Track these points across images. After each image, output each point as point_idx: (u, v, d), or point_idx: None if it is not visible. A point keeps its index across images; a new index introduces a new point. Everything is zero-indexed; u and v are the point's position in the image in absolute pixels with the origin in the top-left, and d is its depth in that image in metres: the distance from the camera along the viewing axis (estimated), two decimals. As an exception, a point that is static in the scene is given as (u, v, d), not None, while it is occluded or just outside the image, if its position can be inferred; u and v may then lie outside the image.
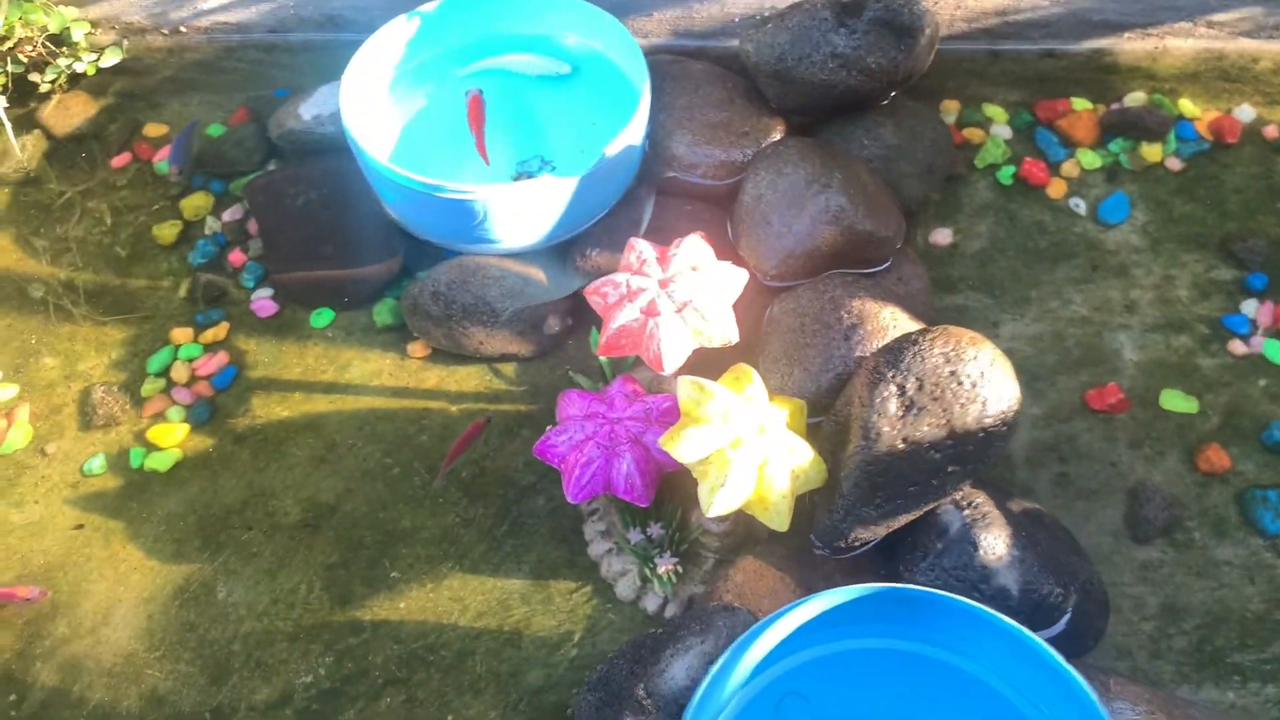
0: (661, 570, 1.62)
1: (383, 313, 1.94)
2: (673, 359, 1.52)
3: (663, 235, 1.83)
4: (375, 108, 2.01)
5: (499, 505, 1.75)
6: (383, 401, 1.87)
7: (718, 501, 1.40)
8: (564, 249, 1.91)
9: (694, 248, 1.57)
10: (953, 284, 1.91)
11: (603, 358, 1.74)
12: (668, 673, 1.40)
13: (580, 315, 1.90)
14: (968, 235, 1.98)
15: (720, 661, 1.32)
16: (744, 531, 1.65)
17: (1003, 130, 2.10)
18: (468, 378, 1.89)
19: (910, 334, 1.45)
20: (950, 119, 2.13)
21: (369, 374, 1.90)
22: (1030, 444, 1.75)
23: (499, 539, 1.72)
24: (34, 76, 2.22)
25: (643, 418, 1.59)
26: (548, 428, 1.69)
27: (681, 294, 1.53)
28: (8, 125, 2.18)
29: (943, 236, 1.97)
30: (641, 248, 1.58)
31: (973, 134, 2.10)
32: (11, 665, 1.64)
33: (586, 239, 1.89)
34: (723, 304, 1.54)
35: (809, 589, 1.53)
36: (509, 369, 1.89)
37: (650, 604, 1.64)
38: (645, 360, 1.54)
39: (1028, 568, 1.45)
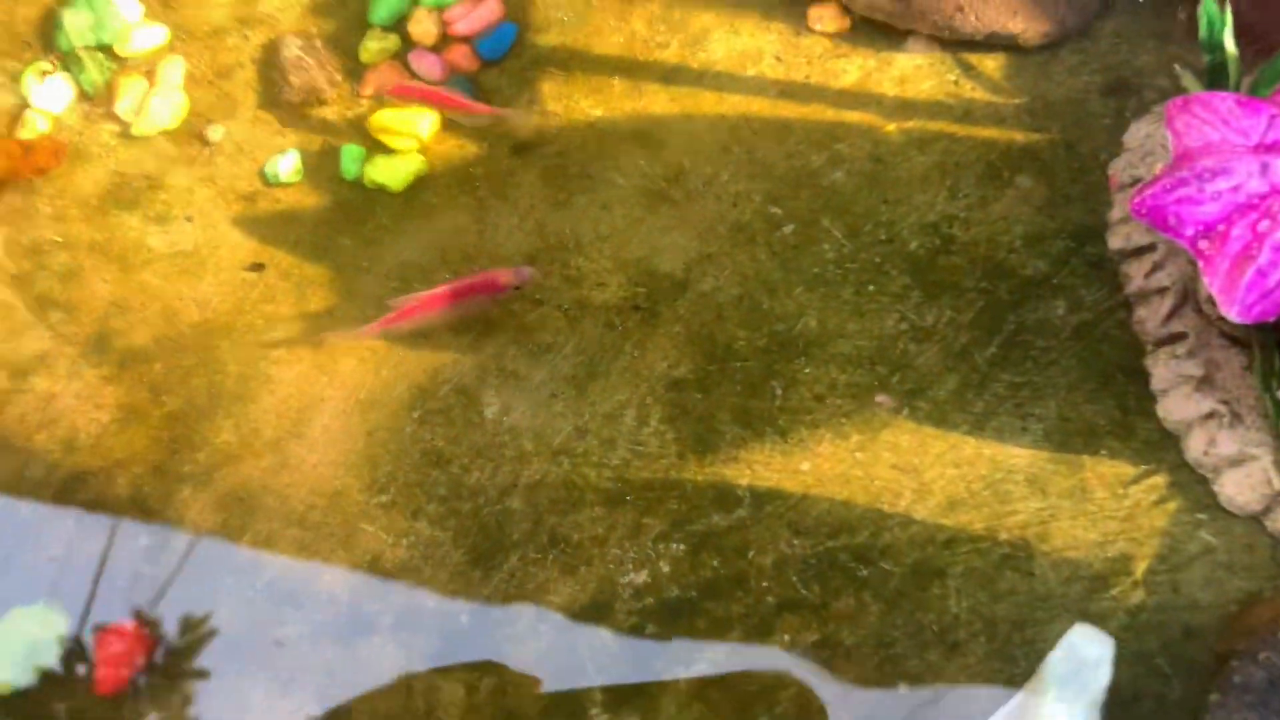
0: (1349, 468, 0.83)
1: (770, -51, 1.12)
2: None
3: None
4: None
5: (982, 310, 0.98)
6: (765, 106, 1.10)
7: None
8: None
9: None
10: None
11: (1212, 35, 0.89)
12: None
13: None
14: None
15: None
16: None
17: None
18: (916, 75, 1.08)
19: None
20: None
21: (741, 55, 1.12)
22: None
23: (982, 370, 0.96)
24: None
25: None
26: (1119, 166, 0.88)
27: None
28: None
29: None
30: None
31: None
32: (143, 487, 0.98)
33: None
34: None
35: None
36: (993, 64, 1.08)
37: (1292, 526, 0.86)
38: None
39: None
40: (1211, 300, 0.90)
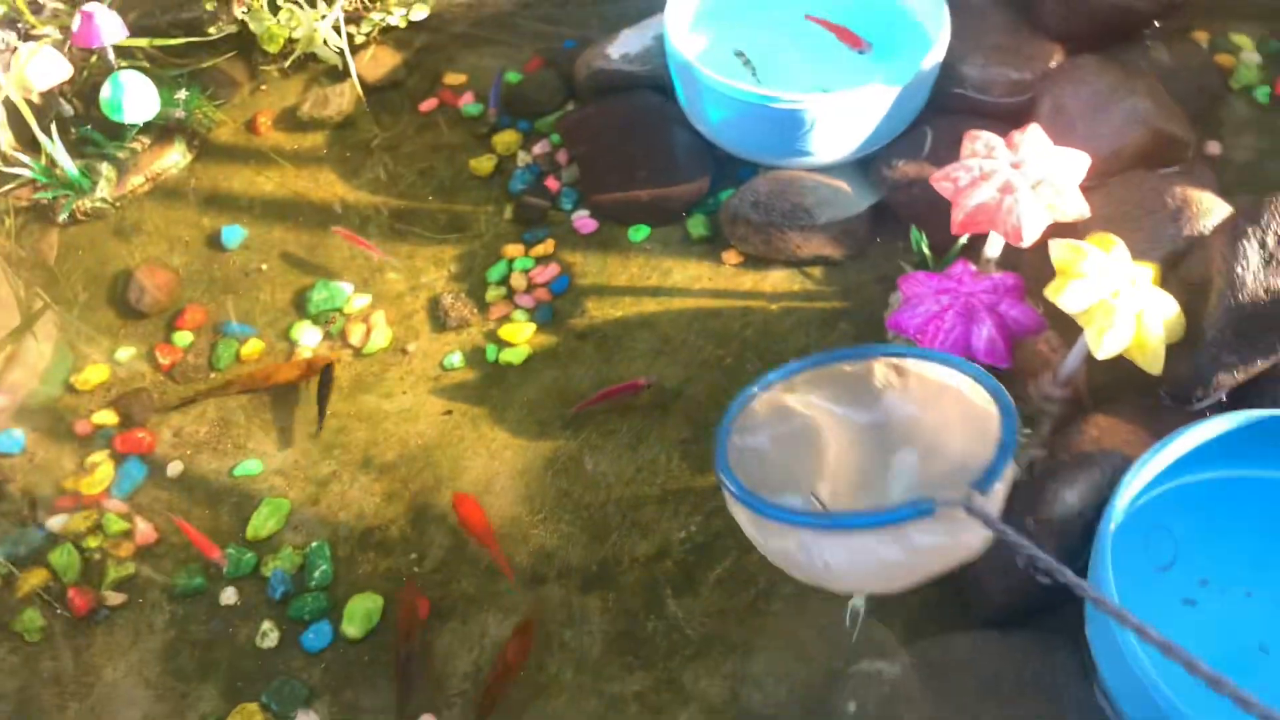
0: (1008, 433, 1.76)
1: (696, 225, 2.12)
2: (1031, 232, 1.67)
3: (952, 151, 1.99)
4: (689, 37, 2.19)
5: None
6: (706, 302, 2.04)
7: (1106, 343, 1.54)
8: (862, 165, 2.08)
9: (1036, 134, 1.73)
10: (1229, 189, 2.05)
11: (919, 246, 1.90)
12: (1057, 501, 1.54)
13: (880, 224, 2.07)
14: (1234, 146, 2.12)
15: (1131, 469, 1.45)
16: (1077, 399, 1.79)
17: (1252, 56, 2.25)
18: (781, 280, 2.05)
19: (1264, 197, 1.60)
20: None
21: (689, 279, 2.07)
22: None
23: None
24: (350, 29, 2.43)
25: (994, 290, 1.74)
26: (888, 310, 1.85)
27: (1034, 173, 1.69)
28: (352, 66, 2.39)
29: (1213, 148, 2.11)
30: (985, 136, 1.75)
31: (1224, 60, 2.25)
32: (408, 530, 1.81)
33: (886, 153, 2.06)
34: (1073, 180, 1.70)
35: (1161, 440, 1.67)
36: (817, 272, 2.06)
37: (993, 467, 1.78)
38: (1002, 234, 1.69)
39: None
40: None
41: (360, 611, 1.70)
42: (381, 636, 1.70)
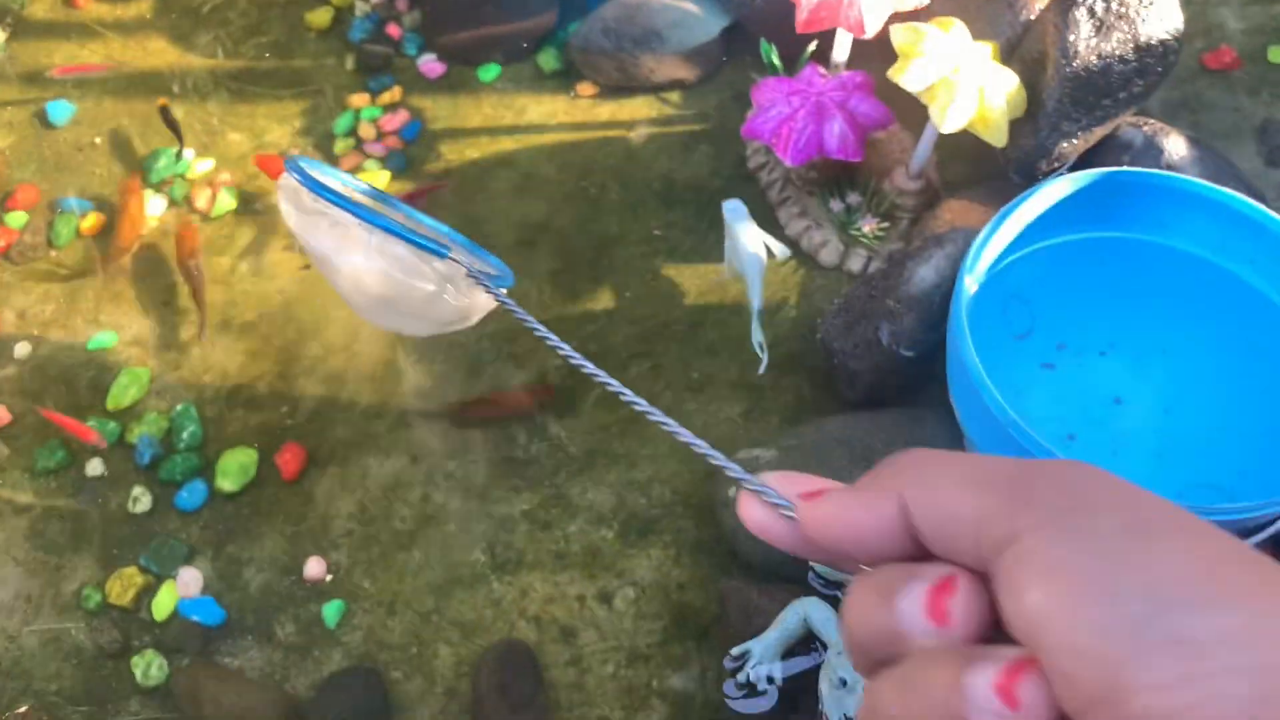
0: (866, 229, 1.79)
1: (548, 60, 2.08)
2: (873, 22, 1.68)
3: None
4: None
5: (695, 208, 1.91)
6: (565, 136, 2.01)
7: (950, 116, 1.57)
8: (709, -14, 2.06)
9: (872, -74, 1.73)
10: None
11: (769, 58, 1.90)
12: (914, 278, 1.58)
13: (732, 44, 2.05)
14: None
15: (981, 234, 1.50)
16: (931, 190, 1.83)
17: None
18: (638, 107, 2.03)
19: (1090, -35, 1.63)
20: None
21: (545, 114, 2.04)
22: (1162, 102, 1.95)
23: (702, 233, 1.88)
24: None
25: (842, 87, 1.75)
26: (747, 114, 1.84)
27: (872, -37, 1.69)
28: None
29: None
30: (823, -67, 1.74)
31: None
32: (277, 385, 1.77)
33: (732, -29, 2.04)
34: (911, -32, 1.71)
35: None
36: (675, 96, 2.04)
37: (854, 264, 1.81)
38: (845, 28, 1.70)
39: (1206, 164, 1.66)
40: (797, 174, 1.88)
41: (234, 466, 1.66)
42: (259, 489, 1.67)
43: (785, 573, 1.48)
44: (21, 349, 1.81)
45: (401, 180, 1.97)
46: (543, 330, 0.69)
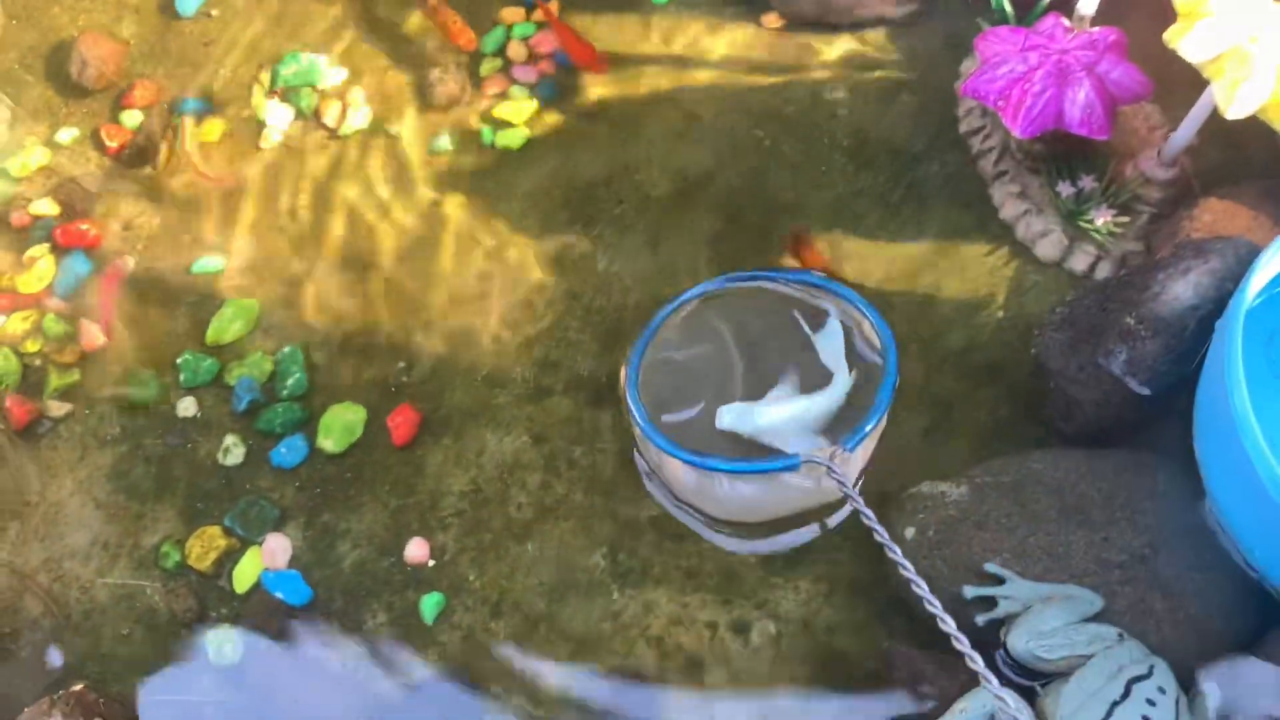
0: (1099, 221, 1.48)
1: (731, -17, 1.79)
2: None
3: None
4: None
5: (889, 173, 1.62)
6: (741, 75, 1.73)
7: (1240, 97, 1.24)
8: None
9: None
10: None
11: (999, 2, 1.58)
12: (1166, 294, 1.27)
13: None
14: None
15: (1268, 253, 1.18)
16: (1184, 182, 1.50)
17: None
18: (831, 47, 1.74)
19: None
20: None
21: (721, 46, 1.76)
22: None
23: (894, 206, 1.59)
24: None
25: (1092, 46, 1.43)
26: (964, 66, 1.53)
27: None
28: None
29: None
30: None
31: None
32: (395, 336, 1.56)
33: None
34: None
35: (1291, 225, 1.38)
36: (878, 36, 1.73)
37: (1078, 263, 1.50)
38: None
39: None
40: (1020, 146, 1.56)
41: (339, 424, 1.48)
42: (364, 452, 1.48)
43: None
44: (122, 265, 1.65)
45: (548, 112, 1.72)
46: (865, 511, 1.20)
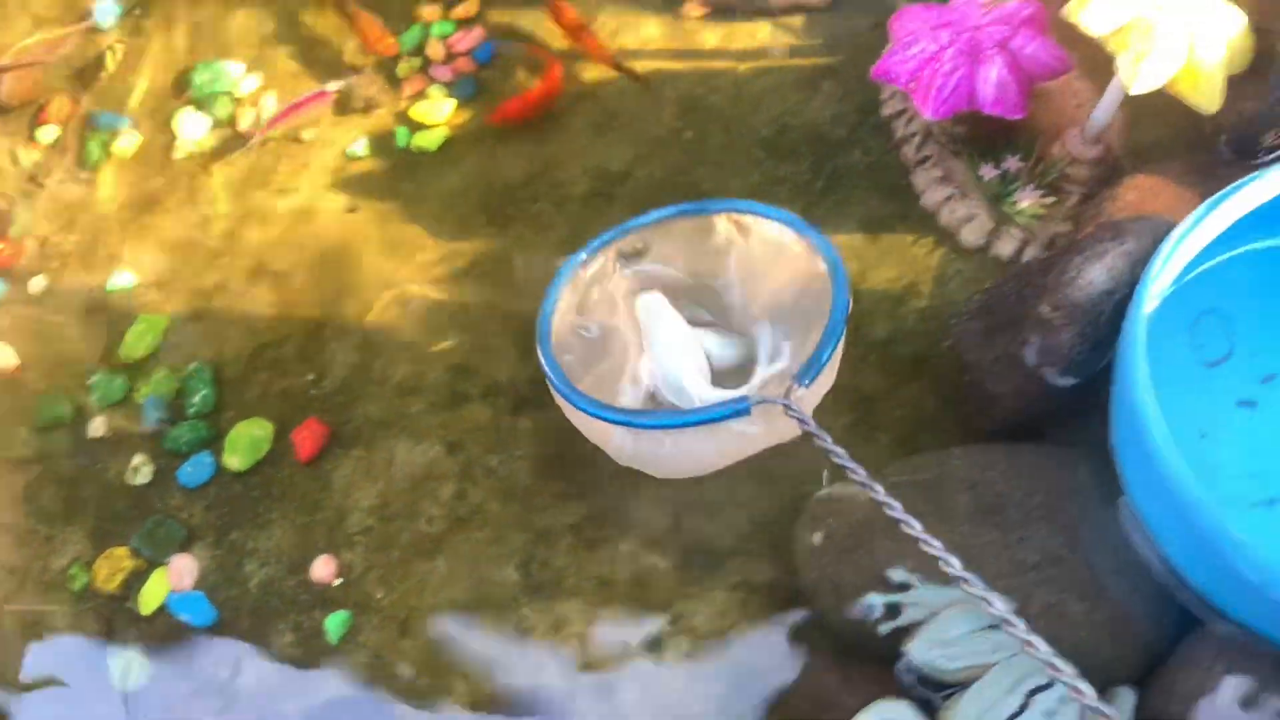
0: (1025, 204, 1.42)
1: (651, -28, 1.74)
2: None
3: None
4: None
5: (810, 161, 1.57)
6: (662, 64, 1.69)
7: (1143, 73, 1.19)
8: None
9: None
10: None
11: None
12: (1081, 279, 1.22)
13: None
14: None
15: (1179, 228, 1.12)
16: (1111, 160, 1.44)
17: None
18: (752, 34, 1.69)
19: None
20: None
21: (641, 39, 1.71)
22: None
23: (816, 195, 1.54)
24: None
25: (1005, 21, 1.37)
26: (883, 52, 1.48)
27: None
28: None
29: None
30: None
31: None
32: (306, 347, 1.53)
33: None
34: None
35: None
36: (796, 22, 1.68)
37: (1005, 248, 1.44)
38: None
39: None
40: (943, 130, 1.51)
41: (245, 440, 1.44)
42: (272, 468, 1.44)
43: (872, 648, 1.17)
44: (37, 284, 1.62)
45: (467, 111, 1.68)
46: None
